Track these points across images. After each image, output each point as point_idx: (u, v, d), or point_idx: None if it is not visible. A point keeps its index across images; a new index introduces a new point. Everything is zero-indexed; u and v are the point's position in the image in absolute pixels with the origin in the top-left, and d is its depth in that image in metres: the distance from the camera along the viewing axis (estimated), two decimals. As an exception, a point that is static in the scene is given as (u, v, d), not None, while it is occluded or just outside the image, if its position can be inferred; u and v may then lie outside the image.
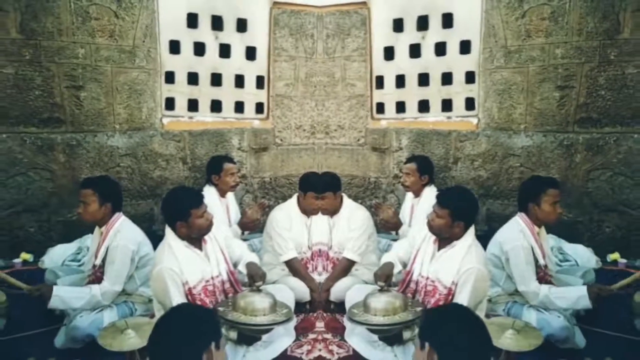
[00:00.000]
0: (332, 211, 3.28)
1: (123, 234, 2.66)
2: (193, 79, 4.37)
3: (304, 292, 3.12)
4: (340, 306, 3.11)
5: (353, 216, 3.33)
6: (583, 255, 3.38)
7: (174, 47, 4.25)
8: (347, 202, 3.41)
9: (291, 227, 3.26)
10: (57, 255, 3.37)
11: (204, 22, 4.31)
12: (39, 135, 3.77)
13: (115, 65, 3.92)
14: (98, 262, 2.66)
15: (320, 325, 2.94)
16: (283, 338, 2.60)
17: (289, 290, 2.89)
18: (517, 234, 2.70)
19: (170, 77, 4.28)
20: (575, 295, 2.53)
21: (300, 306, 3.04)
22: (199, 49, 4.33)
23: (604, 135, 3.68)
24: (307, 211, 3.29)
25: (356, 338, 2.61)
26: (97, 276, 2.65)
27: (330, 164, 4.60)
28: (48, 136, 3.79)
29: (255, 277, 2.47)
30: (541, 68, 3.75)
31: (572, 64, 3.65)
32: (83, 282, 2.74)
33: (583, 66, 3.63)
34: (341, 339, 2.74)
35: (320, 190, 3.22)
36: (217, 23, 4.36)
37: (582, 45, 3.60)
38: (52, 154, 3.82)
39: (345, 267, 3.23)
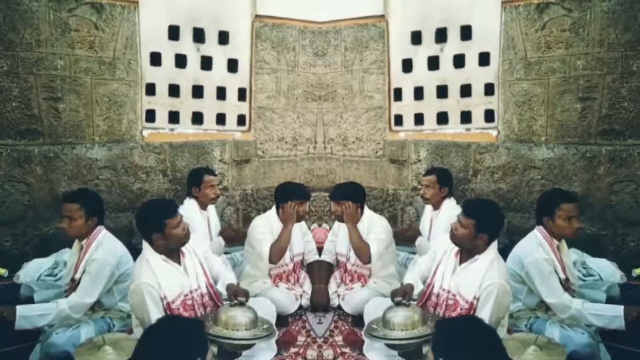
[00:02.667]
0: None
1: (104, 247, 2.59)
2: (174, 90, 4.40)
3: (286, 305, 3.10)
4: (358, 319, 3.10)
5: (373, 224, 3.34)
6: (607, 270, 3.31)
7: (155, 59, 4.28)
8: (367, 212, 3.42)
9: (272, 237, 3.26)
10: (32, 269, 3.25)
11: (185, 35, 4.36)
12: (15, 147, 3.75)
13: (95, 77, 3.93)
14: (78, 276, 2.57)
15: (302, 339, 2.93)
16: (264, 352, 2.56)
17: (271, 304, 2.84)
18: (535, 247, 2.66)
19: (151, 89, 4.30)
20: (610, 314, 2.46)
21: (282, 319, 3.01)
22: (181, 61, 4.37)
23: (627, 147, 3.62)
24: (287, 222, 3.28)
25: (375, 353, 2.59)
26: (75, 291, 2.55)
27: (349, 176, 4.61)
28: (25, 148, 3.78)
29: (238, 294, 2.44)
30: (562, 79, 3.72)
31: (594, 75, 3.61)
32: (60, 297, 2.62)
33: (605, 77, 3.59)
34: (360, 353, 2.72)
35: (334, 198, 3.34)
36: (198, 35, 4.40)
37: (604, 57, 3.56)
38: (29, 167, 3.79)
39: (363, 248, 3.18)
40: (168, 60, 4.31)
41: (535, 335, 2.37)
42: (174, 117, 4.44)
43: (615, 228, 3.74)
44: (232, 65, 4.57)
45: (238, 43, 4.56)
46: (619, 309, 2.46)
